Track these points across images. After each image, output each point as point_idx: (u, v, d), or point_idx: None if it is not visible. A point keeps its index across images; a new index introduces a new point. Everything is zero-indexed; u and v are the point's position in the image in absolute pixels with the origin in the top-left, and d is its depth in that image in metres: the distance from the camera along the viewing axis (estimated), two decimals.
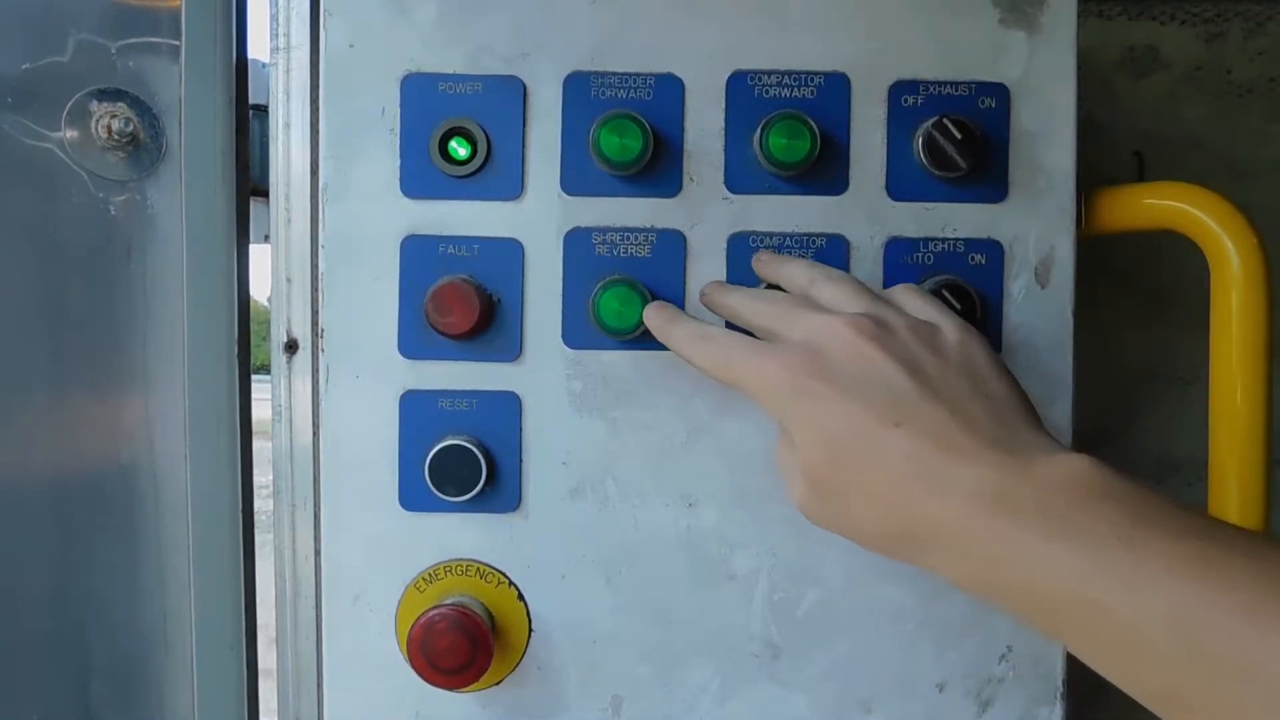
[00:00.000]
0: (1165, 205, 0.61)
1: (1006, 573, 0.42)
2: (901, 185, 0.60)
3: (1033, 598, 0.41)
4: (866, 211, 0.60)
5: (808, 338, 0.48)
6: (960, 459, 0.44)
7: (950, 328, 0.50)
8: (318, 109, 0.64)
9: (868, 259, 0.60)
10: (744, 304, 0.55)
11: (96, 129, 0.69)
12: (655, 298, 0.59)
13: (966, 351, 0.49)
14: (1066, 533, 0.40)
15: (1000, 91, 0.60)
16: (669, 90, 0.60)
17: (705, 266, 0.60)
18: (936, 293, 0.58)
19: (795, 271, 0.55)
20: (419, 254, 0.60)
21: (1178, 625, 0.36)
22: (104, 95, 0.69)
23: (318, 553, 0.67)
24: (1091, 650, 0.41)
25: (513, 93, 0.60)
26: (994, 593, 0.43)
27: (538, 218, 0.60)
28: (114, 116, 0.69)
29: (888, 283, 0.60)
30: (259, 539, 0.72)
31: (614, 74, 0.60)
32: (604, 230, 0.60)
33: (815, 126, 0.58)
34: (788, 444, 0.49)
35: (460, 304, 0.58)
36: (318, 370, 0.63)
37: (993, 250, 0.61)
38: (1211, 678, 0.36)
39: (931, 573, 0.45)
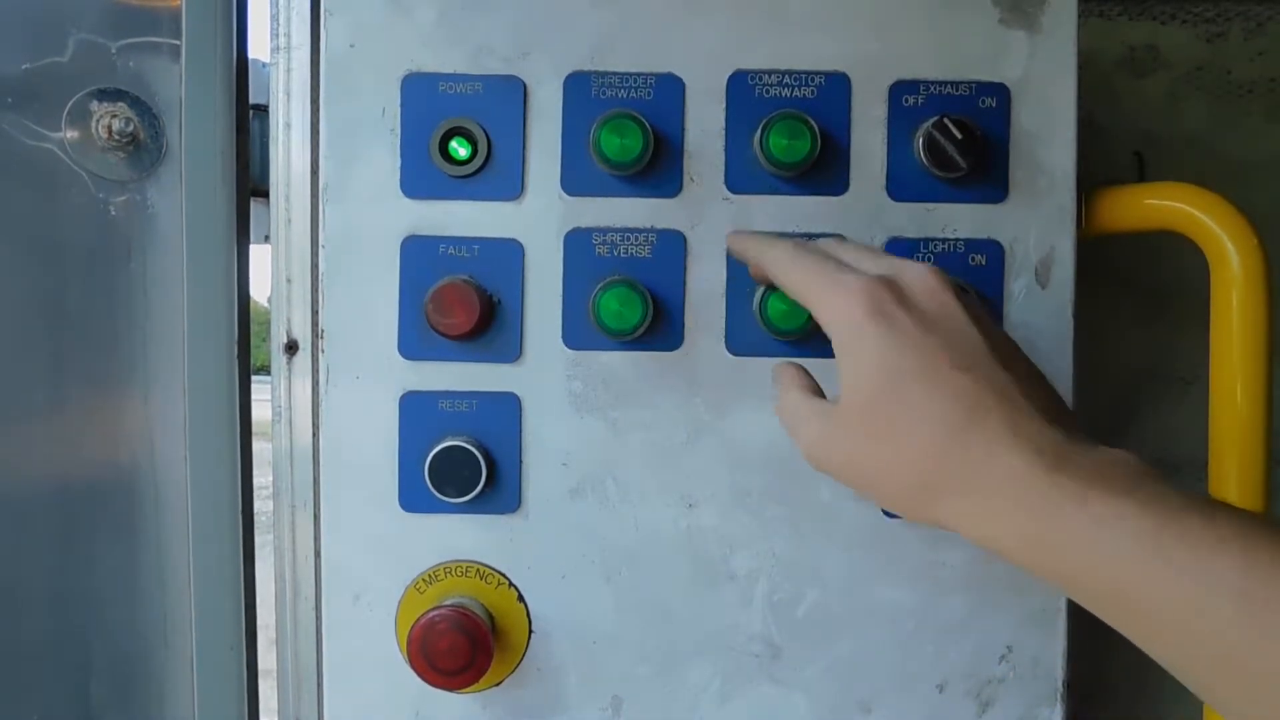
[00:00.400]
0: (1165, 205, 0.61)
1: (1063, 529, 0.41)
2: (902, 185, 0.60)
3: (1088, 559, 0.40)
4: (867, 212, 0.60)
5: (891, 272, 0.48)
6: (1022, 416, 0.44)
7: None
8: (318, 109, 0.64)
9: None
10: (827, 245, 0.54)
11: (97, 129, 0.69)
12: (655, 298, 0.59)
13: (1017, 346, 0.50)
14: (1136, 497, 0.40)
15: (1000, 91, 0.60)
16: (669, 90, 0.60)
17: (705, 267, 0.60)
18: None
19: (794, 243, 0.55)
20: (419, 254, 0.60)
21: (1247, 596, 0.36)
22: (104, 95, 0.69)
23: (318, 553, 0.67)
24: (1141, 619, 0.40)
25: (513, 93, 0.60)
26: (1040, 551, 0.42)
27: (538, 218, 0.60)
28: (114, 116, 0.69)
29: None
30: (259, 539, 0.72)
31: (614, 74, 0.60)
32: (604, 230, 0.60)
33: (815, 126, 0.58)
34: (802, 383, 0.50)
35: (460, 304, 0.58)
36: (318, 371, 0.63)
37: (993, 250, 0.61)
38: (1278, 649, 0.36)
39: (945, 527, 0.45)
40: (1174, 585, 0.38)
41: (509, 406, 0.60)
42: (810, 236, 0.60)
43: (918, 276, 0.48)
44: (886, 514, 0.61)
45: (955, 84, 0.60)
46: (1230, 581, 0.37)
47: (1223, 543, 0.37)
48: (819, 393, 0.52)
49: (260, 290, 0.73)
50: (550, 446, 0.60)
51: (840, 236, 0.59)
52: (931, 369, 0.45)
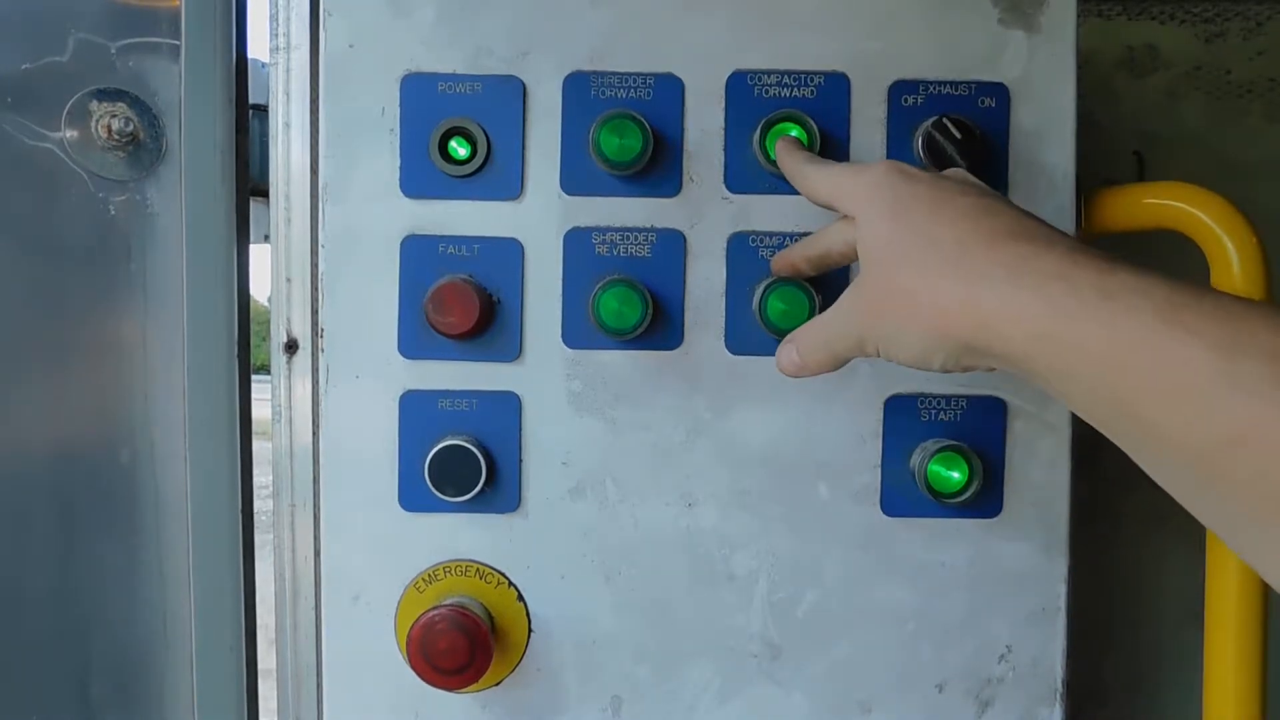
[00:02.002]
0: (1165, 205, 0.61)
1: (1079, 307, 0.39)
2: None
3: (1110, 331, 0.38)
4: None
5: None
6: (1032, 220, 0.45)
7: None
8: (318, 109, 0.64)
9: None
10: (827, 164, 0.56)
11: (96, 129, 0.69)
12: (655, 297, 0.59)
13: None
14: (1157, 273, 0.38)
15: (1000, 91, 0.60)
16: (669, 90, 0.60)
17: (705, 266, 0.60)
18: None
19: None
20: (419, 254, 0.60)
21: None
22: (104, 95, 0.69)
23: (318, 553, 0.67)
24: (1163, 396, 0.36)
25: (513, 93, 0.60)
26: (1055, 339, 0.40)
27: (538, 218, 0.60)
28: (114, 116, 0.69)
29: None
30: (259, 539, 0.72)
31: (614, 74, 0.60)
32: (604, 230, 0.60)
33: (815, 126, 0.58)
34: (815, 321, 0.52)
35: (460, 304, 0.58)
36: (318, 370, 0.63)
37: None
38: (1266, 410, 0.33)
39: (969, 342, 0.43)
40: (1198, 356, 0.35)
41: (509, 406, 0.60)
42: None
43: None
44: (887, 514, 0.61)
45: (954, 84, 0.60)
46: (1265, 344, 0.34)
47: (1254, 309, 0.36)
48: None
49: (260, 290, 0.73)
50: (550, 446, 0.60)
51: None
52: (939, 195, 0.47)
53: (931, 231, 0.45)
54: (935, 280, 0.44)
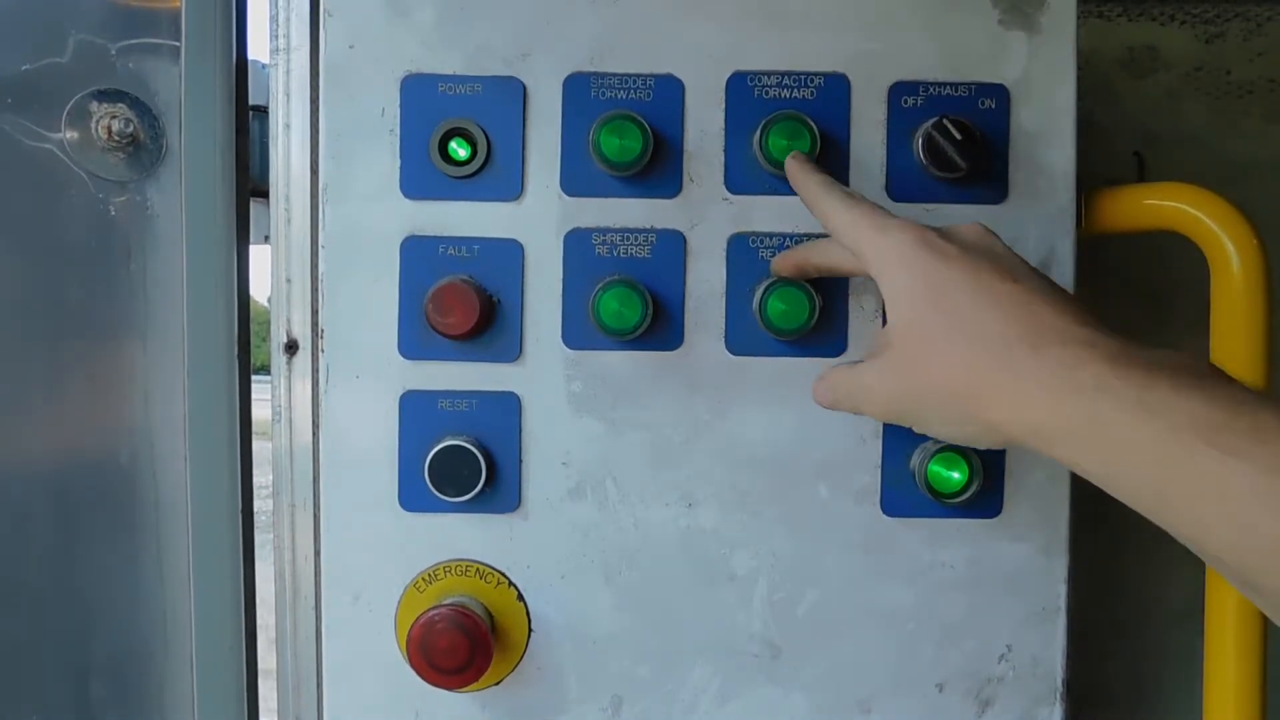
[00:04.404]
0: (1165, 205, 0.61)
1: (1120, 409, 0.40)
2: (902, 186, 0.60)
3: (1152, 446, 0.39)
4: None
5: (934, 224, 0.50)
6: (1073, 319, 0.44)
7: None
8: (318, 109, 0.64)
9: None
10: (851, 196, 0.55)
11: (96, 129, 0.69)
12: (655, 298, 0.59)
13: None
14: (1198, 386, 0.39)
15: (1000, 92, 0.60)
16: (669, 91, 0.60)
17: (705, 267, 0.60)
18: None
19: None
20: (419, 254, 0.60)
21: None
22: (104, 96, 0.69)
23: (318, 553, 0.67)
24: (1201, 508, 0.39)
25: (513, 93, 0.60)
26: (1095, 432, 0.41)
27: (538, 218, 0.60)
28: (114, 117, 0.69)
29: None
30: (259, 539, 0.72)
31: (614, 75, 0.60)
32: (604, 231, 0.60)
33: (815, 127, 0.58)
34: (843, 366, 0.52)
35: (460, 304, 0.58)
36: (318, 370, 0.63)
37: None
38: None
39: (999, 428, 0.44)
40: (1246, 480, 0.37)
41: (509, 406, 0.60)
42: (811, 237, 0.60)
43: (963, 225, 0.50)
44: (887, 514, 0.61)
45: (955, 85, 0.60)
46: None
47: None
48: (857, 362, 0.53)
49: (260, 290, 0.73)
50: (550, 446, 0.60)
51: None
52: (975, 280, 0.46)
53: (972, 324, 0.45)
54: (980, 379, 0.45)
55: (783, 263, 0.58)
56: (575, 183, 0.60)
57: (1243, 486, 0.37)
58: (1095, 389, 0.41)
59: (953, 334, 0.46)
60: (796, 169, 0.57)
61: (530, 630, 0.61)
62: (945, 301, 0.46)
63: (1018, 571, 0.61)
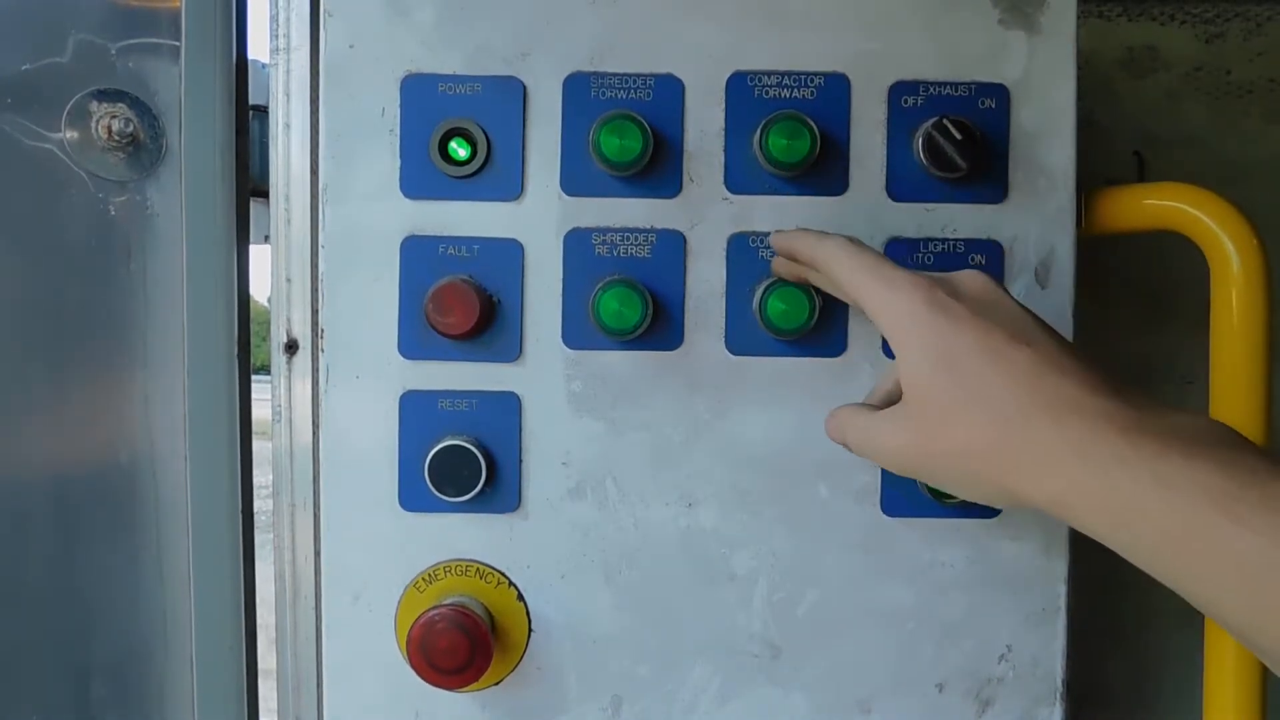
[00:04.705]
0: (1165, 205, 0.61)
1: (1137, 485, 0.41)
2: (901, 186, 0.60)
3: (1159, 520, 0.40)
4: (866, 212, 0.60)
5: (939, 275, 0.50)
6: (1087, 387, 0.44)
7: None
8: (318, 109, 0.64)
9: None
10: (852, 245, 0.54)
11: (96, 129, 0.69)
12: (655, 298, 0.59)
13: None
14: (1215, 458, 0.40)
15: (1000, 92, 0.60)
16: (669, 91, 0.60)
17: (705, 267, 0.60)
18: None
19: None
20: (419, 254, 0.60)
21: None
22: (104, 95, 0.69)
23: (318, 553, 0.67)
24: (1207, 580, 0.40)
25: (513, 93, 0.60)
26: (1113, 507, 0.42)
27: (538, 218, 0.60)
28: (114, 117, 0.69)
29: None
30: (259, 539, 0.72)
31: (614, 74, 0.60)
32: (604, 230, 0.60)
33: (815, 127, 0.58)
34: (861, 409, 0.51)
35: (460, 304, 0.58)
36: (318, 370, 0.63)
37: (993, 250, 0.61)
38: None
39: (1022, 498, 0.45)
40: (1256, 550, 0.38)
41: (509, 406, 0.60)
42: None
43: (966, 275, 0.50)
44: (887, 514, 0.61)
45: (955, 85, 0.60)
46: None
47: None
48: (877, 408, 0.52)
49: (260, 290, 0.73)
50: (550, 446, 0.60)
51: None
52: (989, 346, 0.46)
53: (988, 394, 0.45)
54: (998, 449, 0.45)
55: (783, 270, 0.58)
56: (575, 182, 0.60)
57: (1254, 556, 0.38)
58: (1111, 460, 0.42)
59: (970, 403, 0.46)
60: (780, 236, 0.57)
61: (530, 630, 0.61)
62: (960, 368, 0.46)
63: (1018, 571, 0.61)
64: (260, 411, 0.68)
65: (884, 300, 0.49)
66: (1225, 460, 0.40)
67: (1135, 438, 0.42)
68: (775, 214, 0.60)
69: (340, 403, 0.60)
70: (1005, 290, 0.49)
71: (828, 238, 0.53)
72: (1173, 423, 0.42)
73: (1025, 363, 0.45)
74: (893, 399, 0.51)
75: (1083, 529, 0.44)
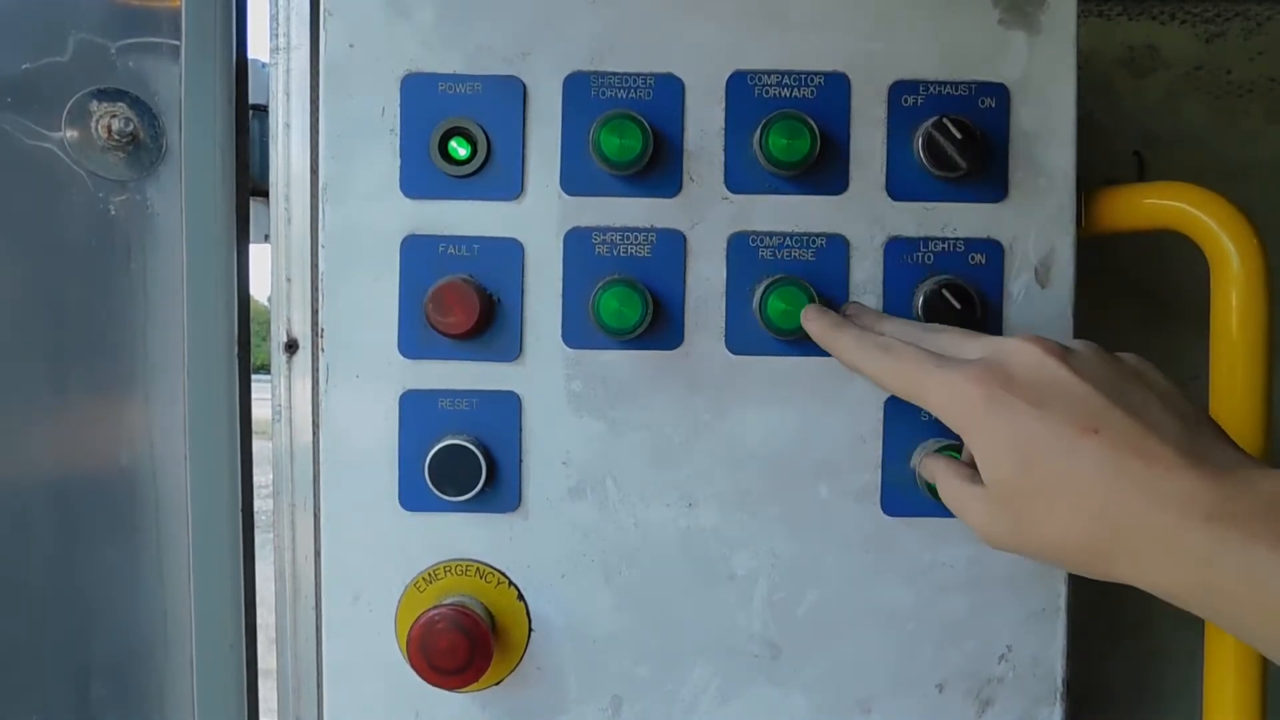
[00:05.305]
0: (1165, 205, 0.61)
1: (1228, 578, 0.41)
2: (901, 185, 0.60)
3: (1256, 605, 0.40)
4: (866, 211, 0.60)
5: (993, 354, 0.49)
6: (1162, 468, 0.43)
7: (1131, 356, 0.50)
8: (318, 109, 0.64)
9: (868, 259, 0.60)
10: (908, 329, 0.55)
11: (96, 129, 0.69)
12: (655, 297, 0.59)
13: (1147, 371, 0.49)
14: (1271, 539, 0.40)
15: (1000, 91, 0.60)
16: (669, 90, 0.60)
17: (705, 266, 0.60)
18: (936, 293, 0.58)
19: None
20: (419, 254, 0.60)
21: None
22: (104, 95, 0.69)
23: (318, 553, 0.67)
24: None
25: (513, 93, 0.60)
26: (1211, 599, 0.42)
27: (538, 218, 0.60)
28: (114, 116, 0.69)
29: (888, 282, 0.60)
30: (259, 539, 0.72)
31: (614, 74, 0.60)
32: (604, 230, 0.60)
33: (815, 126, 0.58)
34: (956, 472, 0.51)
35: (460, 304, 0.58)
36: (318, 370, 0.63)
37: (993, 250, 0.61)
38: None
39: (1133, 584, 0.45)
40: None
41: (509, 405, 0.60)
42: (810, 236, 0.60)
43: (1017, 350, 0.48)
44: (888, 514, 0.61)
45: (954, 84, 0.60)
46: None
47: None
48: (973, 476, 0.51)
49: (260, 290, 0.73)
50: (550, 446, 0.60)
51: (859, 304, 0.60)
52: (1058, 440, 0.45)
53: (1069, 487, 0.45)
54: (1088, 542, 0.45)
55: (815, 329, 0.57)
56: (575, 182, 0.60)
57: None
58: (1198, 559, 0.42)
59: (1053, 499, 0.45)
60: (818, 328, 0.56)
61: (530, 630, 0.61)
62: (1034, 466, 0.46)
63: (1018, 571, 0.61)
64: (260, 411, 0.68)
65: (941, 401, 0.49)
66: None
67: (1221, 529, 0.41)
68: (775, 213, 0.60)
69: (340, 402, 0.60)
70: (1059, 356, 0.47)
71: (864, 342, 0.53)
72: (1262, 495, 0.41)
73: (1097, 451, 0.44)
74: None
75: (1185, 608, 0.44)
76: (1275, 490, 0.42)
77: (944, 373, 0.49)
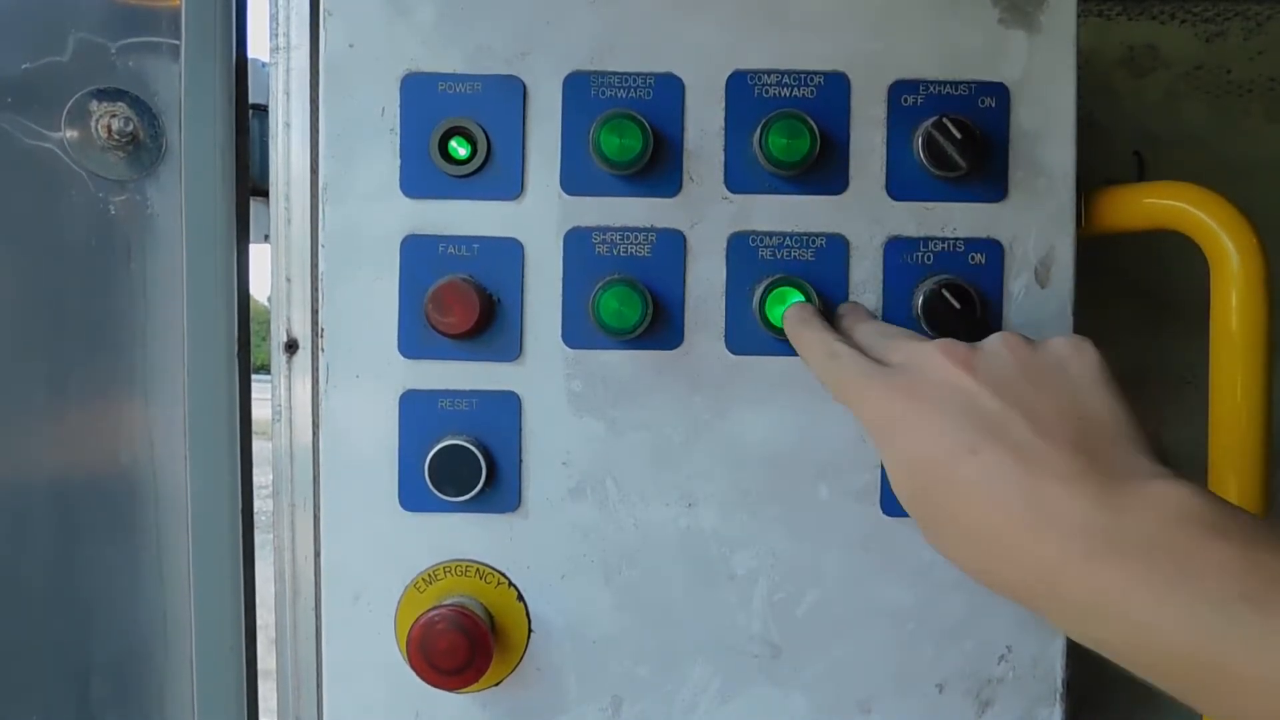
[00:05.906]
0: (1165, 205, 0.61)
1: (1109, 633, 0.38)
2: (901, 185, 0.60)
3: (1147, 657, 0.37)
4: (866, 211, 0.60)
5: (906, 361, 0.48)
6: (1050, 477, 0.41)
7: (1061, 344, 0.48)
8: (318, 109, 0.64)
9: (867, 259, 0.60)
10: (870, 334, 0.54)
11: (96, 129, 0.69)
12: (655, 297, 0.59)
13: (1070, 359, 0.47)
14: (1182, 589, 0.36)
15: (1000, 91, 0.60)
16: (669, 90, 0.60)
17: (705, 266, 0.60)
18: (936, 292, 0.58)
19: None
20: (419, 254, 0.60)
21: None
22: (104, 95, 0.69)
23: (318, 553, 0.67)
24: (1218, 708, 0.36)
25: (513, 92, 0.60)
26: (1104, 648, 0.39)
27: (538, 217, 0.60)
28: (114, 116, 0.69)
29: (888, 282, 0.60)
30: (259, 539, 0.71)
31: (614, 74, 0.60)
32: (604, 230, 0.60)
33: (815, 126, 0.58)
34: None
35: (460, 304, 0.58)
36: (318, 370, 0.63)
37: (993, 250, 0.61)
38: None
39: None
40: (1235, 682, 0.35)
41: (509, 405, 0.60)
42: (810, 236, 0.60)
43: (928, 357, 0.47)
44: (888, 514, 0.61)
45: (954, 84, 0.60)
46: None
47: None
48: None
49: (260, 290, 0.73)
50: (550, 446, 0.60)
51: (853, 304, 0.60)
52: (939, 462, 0.43)
53: (963, 512, 0.43)
54: (987, 578, 0.43)
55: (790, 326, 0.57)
56: (575, 182, 0.60)
57: None
58: (1083, 612, 0.39)
59: (943, 527, 0.44)
60: (787, 327, 0.57)
61: (530, 631, 0.61)
62: (924, 493, 0.44)
63: None
64: (260, 411, 0.68)
65: (862, 415, 0.48)
66: (1201, 590, 0.36)
67: (1099, 570, 0.38)
68: (775, 213, 0.60)
69: (340, 402, 0.60)
70: (965, 363, 0.46)
71: (811, 350, 0.54)
72: (1150, 516, 0.38)
73: (973, 474, 0.43)
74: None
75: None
76: (1152, 507, 0.38)
77: (861, 383, 0.48)
